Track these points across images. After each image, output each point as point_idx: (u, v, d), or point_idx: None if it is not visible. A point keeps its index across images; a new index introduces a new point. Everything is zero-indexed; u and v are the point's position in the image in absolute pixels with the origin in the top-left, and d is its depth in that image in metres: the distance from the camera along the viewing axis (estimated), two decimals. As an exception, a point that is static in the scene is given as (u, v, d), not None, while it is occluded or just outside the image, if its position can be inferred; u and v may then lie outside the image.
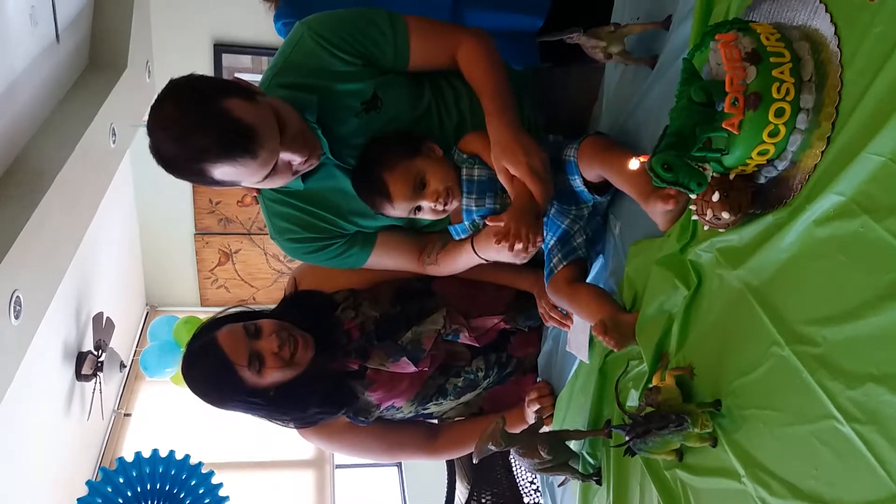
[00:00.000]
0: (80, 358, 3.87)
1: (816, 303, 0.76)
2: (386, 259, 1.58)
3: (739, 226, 0.88)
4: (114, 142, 3.58)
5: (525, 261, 1.36)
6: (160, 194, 4.99)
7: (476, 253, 1.45)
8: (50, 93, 3.15)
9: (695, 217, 0.89)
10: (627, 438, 0.96)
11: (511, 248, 1.24)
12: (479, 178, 1.41)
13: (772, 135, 0.79)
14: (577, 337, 1.38)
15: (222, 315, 1.52)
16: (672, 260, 1.03)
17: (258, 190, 1.51)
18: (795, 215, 0.79)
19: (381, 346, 1.56)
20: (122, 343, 4.55)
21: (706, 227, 0.90)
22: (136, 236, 5.16)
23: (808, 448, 0.76)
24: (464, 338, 1.59)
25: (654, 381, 1.01)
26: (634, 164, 0.87)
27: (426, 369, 1.57)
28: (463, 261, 1.50)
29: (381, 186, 1.38)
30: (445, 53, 1.46)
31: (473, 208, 1.42)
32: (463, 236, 1.48)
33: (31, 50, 2.78)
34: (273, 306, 1.66)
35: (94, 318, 4.01)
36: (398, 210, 1.41)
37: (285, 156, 1.30)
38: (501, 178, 1.32)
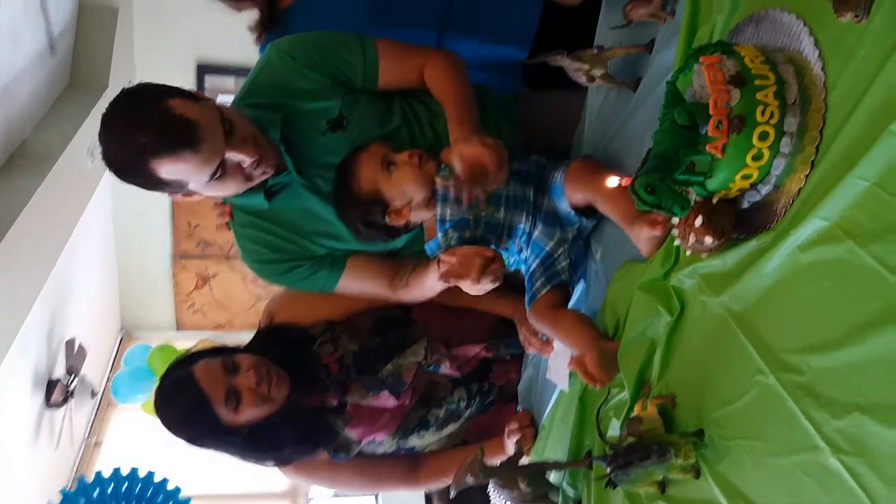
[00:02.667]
0: (51, 385, 3.77)
1: (801, 330, 0.74)
2: (357, 283, 1.54)
3: (722, 251, 0.87)
4: (92, 162, 3.53)
5: (480, 293, 1.31)
6: (139, 217, 4.92)
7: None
8: (30, 111, 3.10)
9: (677, 242, 0.87)
10: (609, 470, 0.93)
11: (465, 279, 1.24)
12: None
13: (755, 158, 0.78)
14: (557, 364, 1.36)
15: (198, 350, 1.48)
16: (655, 285, 1.01)
17: (231, 215, 1.48)
18: (779, 240, 0.77)
19: (360, 379, 1.52)
20: (94, 370, 4.45)
21: (689, 252, 0.88)
22: (113, 259, 5.08)
23: (793, 480, 0.73)
24: (445, 368, 1.56)
25: (636, 411, 0.98)
26: (613, 181, 0.85)
27: (407, 402, 1.54)
28: (430, 283, 1.45)
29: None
30: (414, 71, 1.47)
31: (447, 218, 1.38)
32: (437, 253, 1.43)
33: (15, 66, 2.74)
34: (250, 331, 1.63)
35: (66, 344, 3.92)
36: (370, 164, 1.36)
37: (233, 156, 1.29)
38: (455, 163, 1.27)
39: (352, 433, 1.54)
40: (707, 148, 0.77)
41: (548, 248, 1.35)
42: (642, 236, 1.05)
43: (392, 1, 1.68)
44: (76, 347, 3.95)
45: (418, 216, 1.40)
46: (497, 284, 1.27)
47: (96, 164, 3.54)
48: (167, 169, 1.24)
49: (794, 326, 0.75)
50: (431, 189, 1.35)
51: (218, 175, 1.28)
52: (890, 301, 0.63)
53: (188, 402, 1.39)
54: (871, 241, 0.65)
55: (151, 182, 1.26)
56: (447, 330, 1.59)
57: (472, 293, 1.30)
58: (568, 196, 1.27)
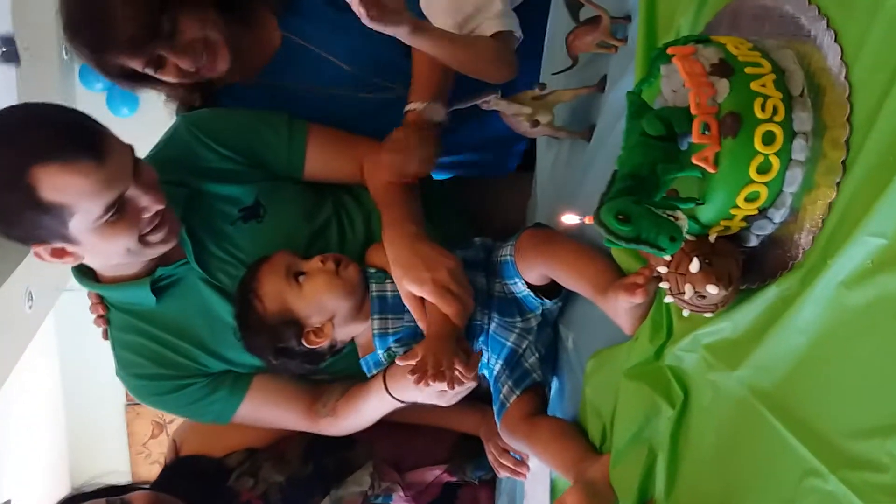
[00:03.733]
0: (-20, 557, 3.34)
1: (868, 403, 0.50)
2: (264, 410, 1.25)
3: (729, 309, 0.64)
4: (30, 307, 3.29)
5: (453, 402, 1.09)
6: (88, 362, 4.61)
7: (390, 394, 1.14)
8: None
9: (668, 299, 0.64)
10: None
11: (428, 385, 0.98)
12: (394, 293, 1.14)
13: (761, 171, 0.56)
14: (534, 490, 1.09)
15: (83, 492, 1.19)
16: (645, 370, 0.77)
17: (107, 320, 1.22)
18: (811, 280, 0.55)
19: None
20: (37, 535, 3.99)
21: (686, 313, 0.65)
22: (61, 410, 4.72)
23: None
24: (399, 498, 1.30)
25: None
26: (571, 219, 0.63)
27: None
28: (373, 406, 1.19)
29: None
30: (349, 164, 1.27)
31: (389, 331, 1.14)
32: (375, 371, 1.19)
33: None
34: None
35: (-2, 509, 3.51)
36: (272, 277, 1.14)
37: (136, 194, 1.02)
38: (408, 304, 1.11)
39: None
40: (694, 160, 0.55)
41: (510, 343, 1.10)
42: (620, 307, 0.82)
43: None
44: (11, 513, 3.54)
45: (345, 332, 1.16)
46: (473, 385, 1.04)
47: (35, 310, 3.30)
48: (54, 183, 0.95)
49: (856, 400, 0.51)
50: (358, 298, 1.13)
51: (114, 214, 1.00)
52: None
53: None
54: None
55: (23, 205, 0.96)
56: (398, 450, 1.33)
57: (443, 403, 1.08)
58: (523, 274, 1.05)
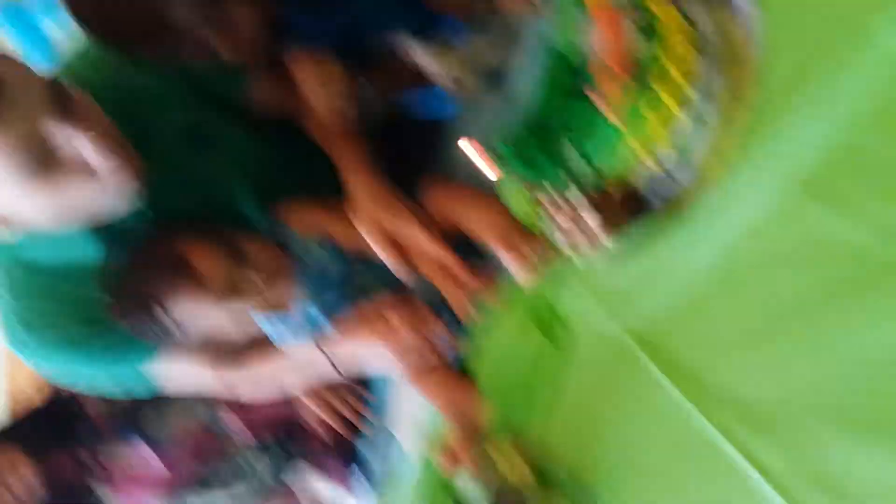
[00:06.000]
0: None
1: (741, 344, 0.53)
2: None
3: (614, 252, 0.65)
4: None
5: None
6: None
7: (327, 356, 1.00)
8: None
9: (551, 233, 0.64)
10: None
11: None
12: (336, 267, 1.00)
13: (663, 122, 0.57)
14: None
15: None
16: (527, 307, 0.78)
17: None
18: (696, 223, 0.57)
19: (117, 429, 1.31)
20: None
21: (567, 248, 0.66)
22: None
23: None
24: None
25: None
26: (467, 146, 0.62)
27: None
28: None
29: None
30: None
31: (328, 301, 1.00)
32: (289, 336, 1.03)
33: None
34: None
35: None
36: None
37: (65, 130, 0.76)
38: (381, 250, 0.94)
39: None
40: (593, 97, 0.55)
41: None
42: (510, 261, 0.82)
43: None
44: None
45: None
46: None
47: None
48: None
49: (720, 333, 0.54)
50: None
51: (40, 164, 0.75)
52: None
53: None
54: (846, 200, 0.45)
55: None
56: None
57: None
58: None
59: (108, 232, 0.89)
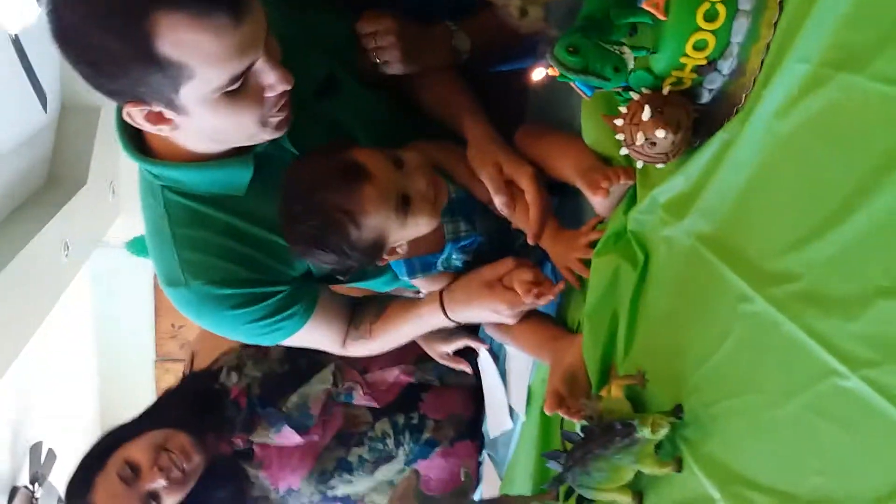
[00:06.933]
0: (13, 493, 3.48)
1: (790, 222, 0.54)
2: (313, 334, 1.09)
3: (681, 163, 0.67)
4: (66, 256, 3.41)
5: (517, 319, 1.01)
6: (120, 318, 4.75)
7: (446, 314, 1.04)
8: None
9: (624, 150, 0.68)
10: (563, 469, 0.70)
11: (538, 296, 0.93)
12: (458, 195, 1.03)
13: (708, 18, 0.60)
14: (516, 386, 1.13)
15: (87, 462, 1.25)
16: (610, 242, 0.81)
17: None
18: (748, 118, 0.58)
19: (264, 413, 1.29)
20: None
21: (640, 165, 0.69)
22: (94, 362, 4.87)
23: (802, 432, 0.52)
24: (359, 397, 1.32)
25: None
26: (539, 73, 0.67)
27: (316, 438, 1.30)
28: (415, 327, 1.10)
29: (351, 164, 0.90)
30: None
31: (462, 235, 1.02)
32: (420, 276, 1.07)
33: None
34: None
35: (31, 449, 3.65)
36: (383, 203, 0.90)
37: (263, 68, 0.82)
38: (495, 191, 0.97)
39: (266, 479, 1.30)
40: (644, 5, 0.59)
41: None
42: (594, 196, 0.85)
43: None
44: (44, 452, 3.68)
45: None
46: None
47: (71, 260, 3.42)
48: (178, 37, 0.73)
49: (782, 220, 0.55)
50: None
51: (238, 86, 0.80)
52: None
53: None
54: (871, 59, 0.47)
55: (132, 55, 0.75)
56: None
57: (510, 321, 1.01)
58: None
59: (259, 158, 0.94)
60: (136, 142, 0.93)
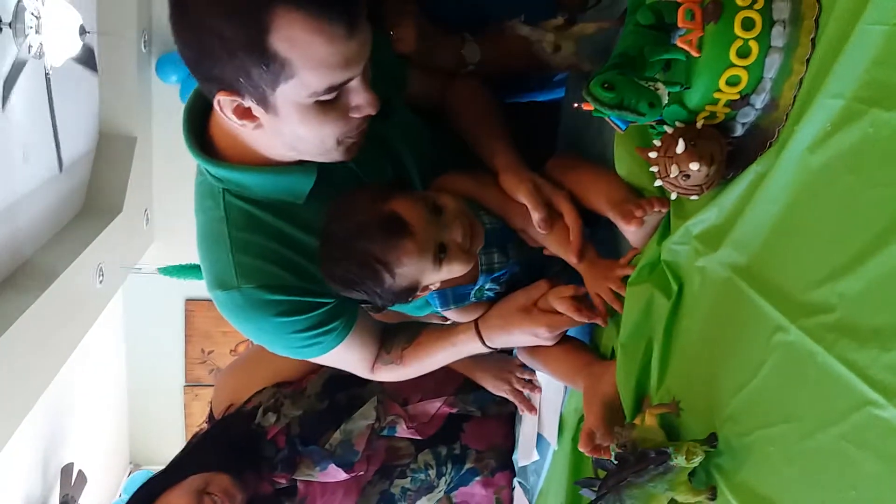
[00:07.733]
0: (44, 513, 3.53)
1: (824, 253, 0.55)
2: (346, 355, 1.08)
3: (715, 195, 0.69)
4: (101, 282, 3.48)
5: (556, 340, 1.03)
6: (151, 343, 4.82)
7: (483, 340, 1.06)
8: (37, 232, 3.10)
9: (658, 182, 0.69)
10: (596, 497, 0.70)
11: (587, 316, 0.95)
12: (492, 226, 1.03)
13: (741, 54, 0.62)
14: (548, 415, 1.13)
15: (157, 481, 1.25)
16: (644, 272, 0.82)
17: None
18: (782, 152, 0.60)
19: (306, 452, 1.29)
20: (98, 500, 4.19)
21: (673, 195, 0.70)
22: (124, 385, 4.93)
23: (838, 462, 0.52)
24: (402, 430, 1.32)
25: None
26: (574, 107, 0.69)
27: (363, 474, 1.30)
28: (448, 353, 1.11)
29: (392, 217, 0.92)
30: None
31: (495, 266, 1.04)
32: (456, 308, 1.07)
33: (23, 187, 2.76)
34: None
35: (62, 470, 3.70)
36: (420, 256, 0.92)
37: (357, 87, 0.85)
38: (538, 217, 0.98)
39: None
40: (679, 42, 0.61)
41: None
42: (627, 226, 0.86)
43: None
44: (75, 474, 3.72)
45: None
46: None
47: (105, 286, 3.49)
48: (292, 35, 0.76)
49: (815, 253, 0.56)
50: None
51: (333, 97, 0.83)
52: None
53: None
54: (902, 94, 0.48)
55: (243, 43, 0.76)
56: (407, 385, 1.31)
57: (549, 342, 1.02)
58: None
59: (319, 170, 0.96)
60: (201, 145, 0.96)
